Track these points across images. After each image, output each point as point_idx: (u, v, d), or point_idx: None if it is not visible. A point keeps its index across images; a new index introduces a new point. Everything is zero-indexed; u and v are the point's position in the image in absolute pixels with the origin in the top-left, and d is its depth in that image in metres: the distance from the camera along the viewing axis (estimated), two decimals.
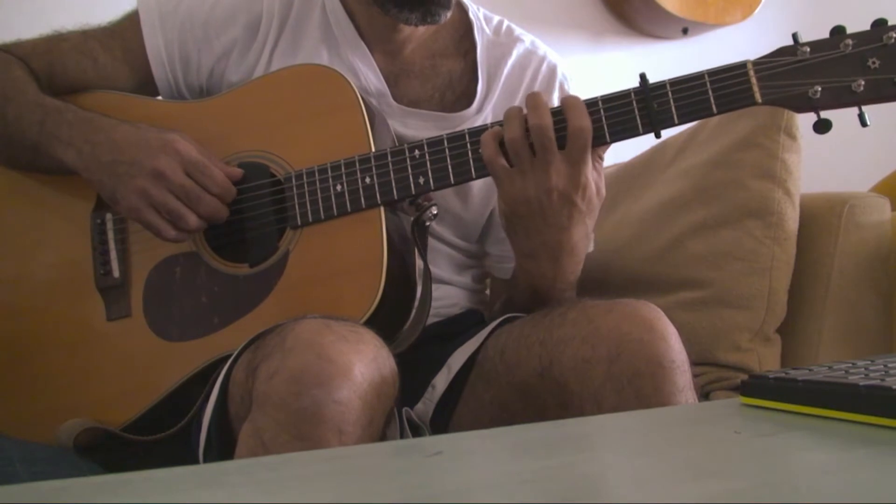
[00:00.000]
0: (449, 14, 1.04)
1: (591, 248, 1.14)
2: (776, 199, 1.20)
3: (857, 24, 0.88)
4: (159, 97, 1.13)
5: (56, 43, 1.11)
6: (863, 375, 0.55)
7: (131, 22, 1.11)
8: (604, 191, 0.94)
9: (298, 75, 1.04)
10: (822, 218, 1.22)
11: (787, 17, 2.35)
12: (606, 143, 0.93)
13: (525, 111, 0.91)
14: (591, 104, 0.92)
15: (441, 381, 0.98)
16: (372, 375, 0.78)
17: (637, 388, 0.81)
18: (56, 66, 1.09)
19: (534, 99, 0.91)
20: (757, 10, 2.27)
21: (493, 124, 0.95)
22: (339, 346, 0.77)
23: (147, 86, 1.11)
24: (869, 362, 0.60)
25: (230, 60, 1.10)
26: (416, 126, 1.08)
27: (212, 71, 1.10)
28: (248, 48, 1.10)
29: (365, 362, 0.78)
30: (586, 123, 0.89)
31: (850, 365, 0.60)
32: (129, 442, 0.97)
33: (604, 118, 0.91)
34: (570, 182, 0.90)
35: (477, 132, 0.94)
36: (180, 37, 1.09)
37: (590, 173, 0.91)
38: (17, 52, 1.10)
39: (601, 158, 0.95)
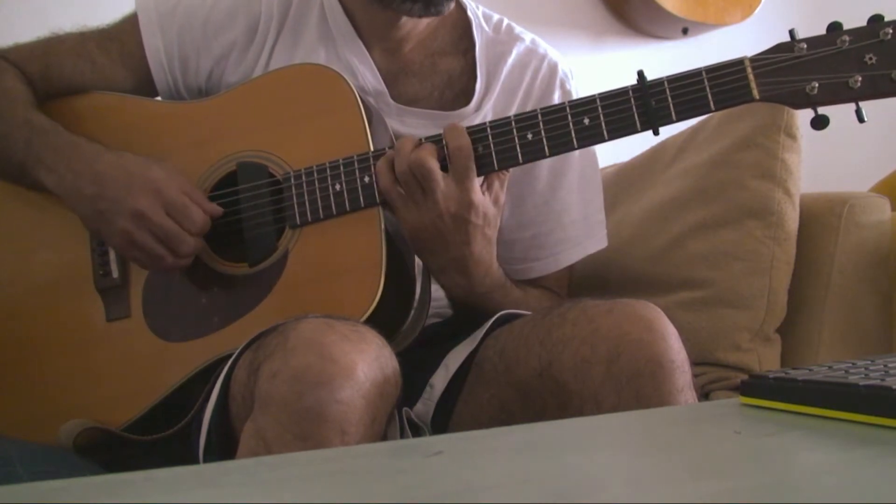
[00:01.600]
0: (451, 6, 1.04)
1: (604, 244, 1.14)
2: (776, 199, 1.20)
3: (856, 22, 0.88)
4: (158, 98, 1.13)
5: (53, 45, 1.11)
6: (863, 375, 0.55)
7: (129, 24, 1.11)
8: (503, 197, 0.98)
9: (296, 75, 1.04)
10: (822, 218, 1.22)
11: (786, 17, 2.35)
12: (520, 164, 0.95)
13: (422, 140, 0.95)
14: (589, 102, 0.92)
15: (439, 380, 0.98)
16: (374, 375, 0.78)
17: (637, 388, 0.81)
18: (53, 69, 1.09)
19: (399, 143, 0.95)
20: (757, 10, 2.27)
21: (493, 121, 0.95)
22: (342, 346, 0.77)
23: (145, 87, 1.11)
24: (869, 362, 0.60)
25: (229, 61, 1.10)
26: (414, 125, 1.08)
27: (211, 72, 1.10)
28: (247, 49, 1.10)
29: (367, 362, 0.78)
30: (465, 142, 0.93)
31: (850, 365, 0.60)
32: (130, 442, 0.97)
33: (601, 116, 0.91)
34: (461, 204, 0.93)
35: (478, 131, 0.95)
36: (179, 39, 1.09)
37: (477, 190, 0.94)
38: (13, 57, 1.10)
39: (507, 171, 0.97)
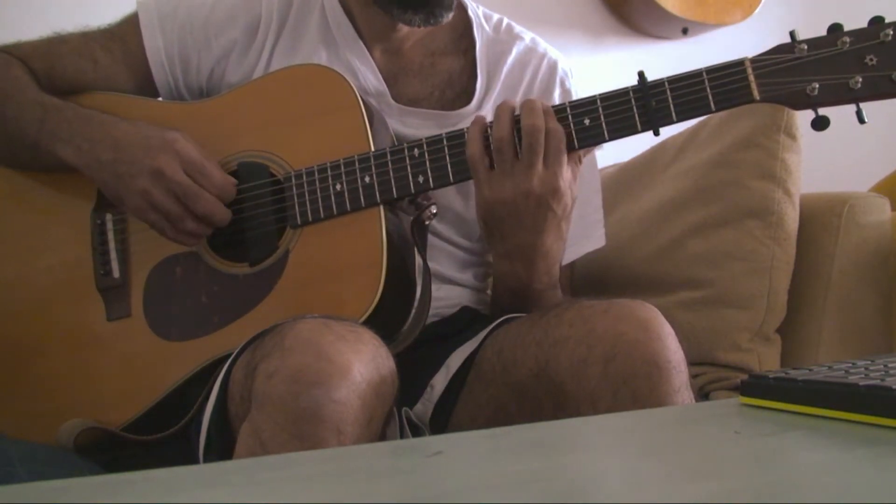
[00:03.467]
0: (451, 15, 1.04)
1: (602, 243, 1.14)
2: (776, 199, 1.20)
3: (857, 24, 0.89)
4: (159, 98, 1.13)
5: (56, 45, 1.11)
6: (863, 375, 0.55)
7: (131, 24, 1.11)
8: (577, 191, 0.96)
9: (297, 75, 1.04)
10: (822, 218, 1.22)
11: (786, 17, 2.35)
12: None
13: (518, 111, 0.92)
14: (590, 102, 0.92)
15: (439, 381, 0.98)
16: (371, 375, 0.78)
17: (633, 388, 0.81)
18: (56, 69, 1.09)
19: (530, 103, 0.92)
20: (757, 10, 2.27)
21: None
22: (338, 346, 0.77)
23: (147, 87, 1.11)
24: (869, 362, 0.60)
25: (229, 61, 1.10)
26: (416, 125, 1.08)
27: (212, 72, 1.10)
28: (248, 49, 1.10)
29: (364, 362, 0.78)
30: (558, 126, 0.91)
31: (850, 365, 0.60)
32: (130, 442, 0.97)
33: (602, 116, 0.91)
34: (546, 185, 0.91)
35: None
36: (180, 38, 1.09)
37: (566, 179, 0.92)
38: (17, 53, 1.10)
39: (580, 162, 0.96)
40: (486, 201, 0.94)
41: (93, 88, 1.10)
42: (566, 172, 0.93)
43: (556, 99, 1.13)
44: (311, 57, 1.09)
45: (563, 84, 1.15)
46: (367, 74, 1.09)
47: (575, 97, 1.14)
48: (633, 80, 0.92)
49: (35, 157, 1.05)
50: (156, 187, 0.96)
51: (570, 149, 0.93)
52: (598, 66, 2.21)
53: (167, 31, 1.09)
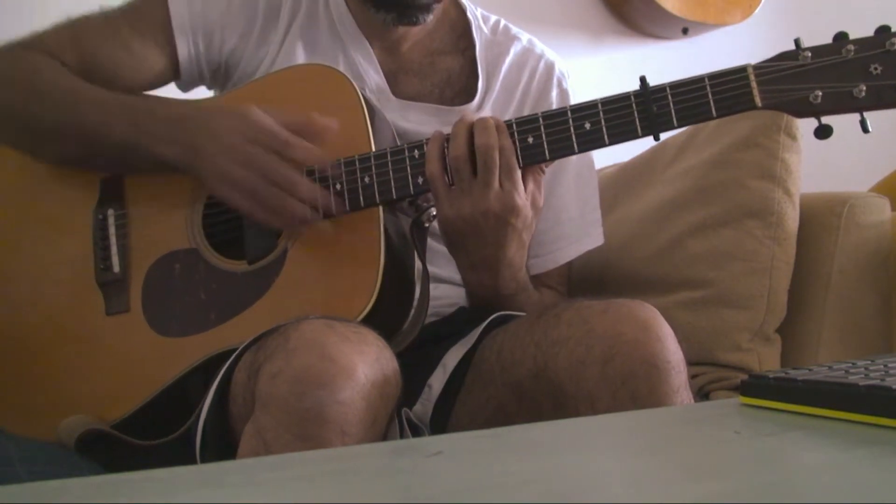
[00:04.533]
0: (430, 17, 1.05)
1: (601, 242, 1.15)
2: (776, 199, 1.20)
3: (856, 24, 0.88)
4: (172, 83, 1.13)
5: (81, 31, 1.08)
6: (863, 375, 0.55)
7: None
8: (541, 201, 0.96)
9: (300, 74, 1.04)
10: (822, 218, 1.22)
11: (786, 17, 2.35)
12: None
13: (474, 129, 0.92)
14: (591, 106, 0.93)
15: (437, 381, 0.98)
16: (375, 376, 0.78)
17: (632, 389, 0.81)
18: (87, 58, 1.07)
19: (483, 121, 0.92)
20: (757, 11, 2.27)
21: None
22: (342, 347, 0.77)
23: (175, 67, 1.10)
24: (869, 362, 0.60)
25: (251, 40, 1.10)
26: (417, 120, 1.08)
27: (234, 48, 1.10)
28: (268, 30, 1.10)
29: (368, 363, 0.78)
30: (507, 143, 0.91)
31: (850, 365, 0.60)
32: (131, 442, 0.97)
33: (603, 120, 0.92)
34: (505, 204, 0.91)
35: None
36: (204, 10, 1.08)
37: (522, 195, 0.92)
38: (43, 48, 1.07)
39: (543, 172, 0.96)
40: (446, 218, 0.94)
41: (129, 76, 1.08)
42: (522, 188, 0.93)
43: (554, 99, 1.14)
44: (319, 52, 1.09)
45: (560, 85, 1.15)
46: (368, 70, 1.10)
47: (572, 98, 1.15)
48: (633, 80, 0.92)
49: (125, 159, 1.03)
50: (263, 158, 0.93)
51: (570, 153, 0.94)
52: (598, 67, 2.21)
53: (193, 3, 1.08)
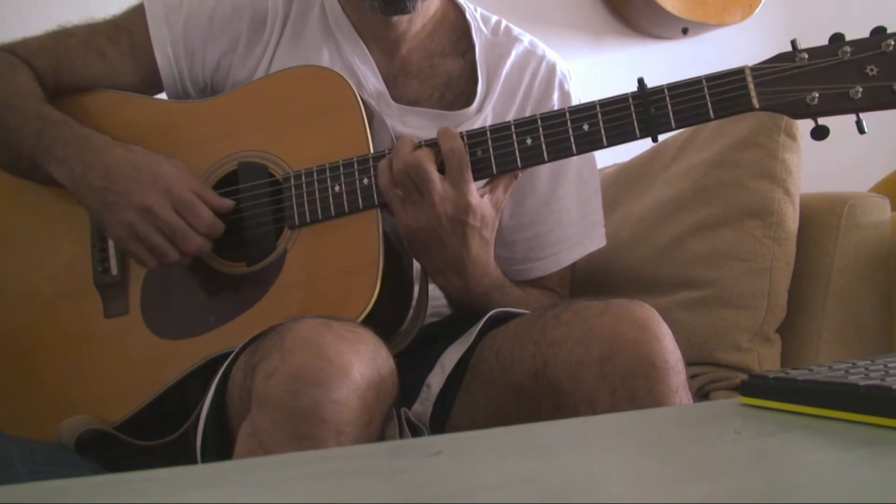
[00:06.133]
0: (418, 4, 1.04)
1: (603, 243, 1.14)
2: (776, 199, 1.20)
3: (855, 25, 0.88)
4: (163, 94, 1.13)
5: (63, 39, 1.10)
6: (863, 375, 0.55)
7: (137, 15, 1.10)
8: (504, 200, 0.98)
9: (298, 76, 1.04)
10: (822, 218, 1.22)
11: (786, 17, 2.35)
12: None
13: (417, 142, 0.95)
14: (589, 108, 0.93)
15: (435, 380, 0.98)
16: (370, 375, 0.78)
17: (631, 389, 0.81)
18: (63, 63, 1.09)
19: (398, 144, 0.95)
20: (757, 11, 2.27)
21: (493, 126, 0.95)
22: (338, 346, 0.77)
23: (153, 80, 1.11)
24: (869, 362, 0.60)
25: (235, 55, 1.10)
26: (416, 125, 1.08)
27: (217, 65, 1.10)
28: (254, 43, 1.09)
29: (364, 362, 0.78)
30: (457, 144, 0.93)
31: (850, 365, 0.60)
32: (131, 443, 0.97)
33: (601, 122, 0.92)
34: (457, 206, 0.93)
35: (477, 135, 0.95)
36: (185, 30, 1.09)
37: (474, 193, 0.94)
38: (22, 52, 1.09)
39: (516, 176, 0.98)
40: (405, 228, 0.96)
41: (101, 81, 1.09)
42: (473, 186, 0.94)
43: (556, 101, 1.13)
44: (312, 56, 1.09)
45: (562, 87, 1.15)
46: (367, 74, 1.09)
47: (574, 99, 1.14)
48: (632, 80, 0.92)
49: (32, 170, 1.05)
50: (142, 222, 0.97)
51: (569, 154, 0.94)
52: (598, 67, 2.21)
53: (173, 23, 1.09)
